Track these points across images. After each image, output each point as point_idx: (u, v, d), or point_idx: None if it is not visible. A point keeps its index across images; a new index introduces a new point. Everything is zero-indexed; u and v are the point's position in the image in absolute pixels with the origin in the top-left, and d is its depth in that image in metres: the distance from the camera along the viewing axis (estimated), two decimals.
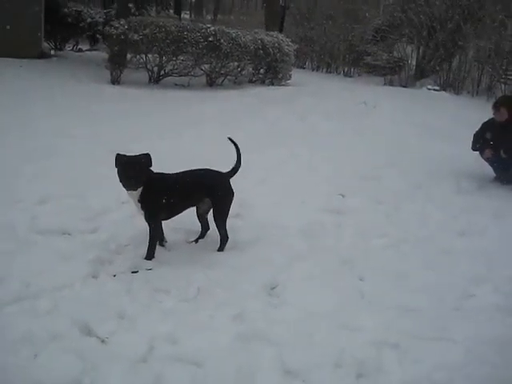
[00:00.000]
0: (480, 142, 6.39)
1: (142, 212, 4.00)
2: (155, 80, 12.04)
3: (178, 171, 4.21)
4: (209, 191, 4.19)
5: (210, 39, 11.69)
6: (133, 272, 3.86)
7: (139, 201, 3.97)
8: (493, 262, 4.48)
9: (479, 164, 6.60)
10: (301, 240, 4.59)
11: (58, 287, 3.54)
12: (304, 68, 18.58)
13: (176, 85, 11.94)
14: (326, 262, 4.23)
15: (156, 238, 4.09)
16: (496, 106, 6.34)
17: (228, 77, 12.81)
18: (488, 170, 6.52)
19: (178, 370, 2.88)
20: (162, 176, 4.08)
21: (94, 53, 17.15)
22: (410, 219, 5.25)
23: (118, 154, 3.89)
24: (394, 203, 5.59)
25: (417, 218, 5.30)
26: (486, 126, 6.43)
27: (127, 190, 3.89)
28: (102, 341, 3.09)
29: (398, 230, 4.96)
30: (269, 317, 3.42)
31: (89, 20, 16.94)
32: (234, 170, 4.33)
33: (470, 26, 14.39)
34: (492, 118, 6.42)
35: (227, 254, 4.25)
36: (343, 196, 5.68)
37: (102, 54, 14.37)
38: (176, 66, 11.99)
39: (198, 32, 11.66)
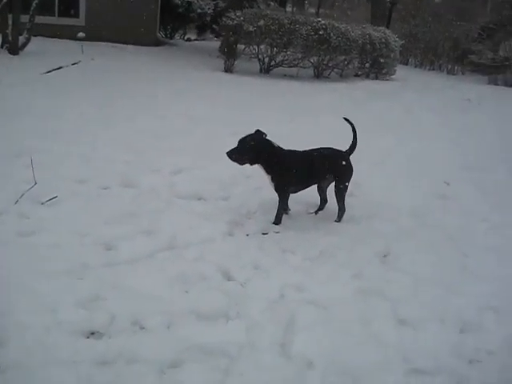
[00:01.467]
0: None
1: (272, 184, 4.56)
2: (266, 70, 12.61)
3: (304, 149, 4.73)
4: (332, 167, 4.69)
5: (321, 32, 12.13)
6: (263, 234, 4.42)
7: (268, 173, 4.53)
8: None
9: None
10: (410, 218, 5.03)
11: (202, 241, 4.15)
12: (407, 64, 18.71)
13: (285, 75, 12.47)
14: (433, 238, 4.67)
15: (283, 206, 4.65)
16: None
17: (335, 70, 13.22)
18: None
19: (309, 309, 3.41)
20: (291, 153, 4.62)
21: (202, 42, 17.90)
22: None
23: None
24: (498, 193, 5.91)
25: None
26: None
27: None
28: (241, 285, 3.67)
29: (502, 216, 5.30)
30: (383, 277, 3.92)
31: (199, 11, 17.62)
32: (352, 148, 4.80)
33: None
34: None
35: (344, 224, 4.74)
36: (448, 184, 6.05)
37: (211, 44, 15.14)
38: (286, 58, 12.52)
39: (309, 25, 12.14)
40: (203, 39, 19.32)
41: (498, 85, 15.13)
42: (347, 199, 4.89)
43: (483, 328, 3.48)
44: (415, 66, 18.64)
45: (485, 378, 3.04)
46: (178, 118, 7.69)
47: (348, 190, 4.85)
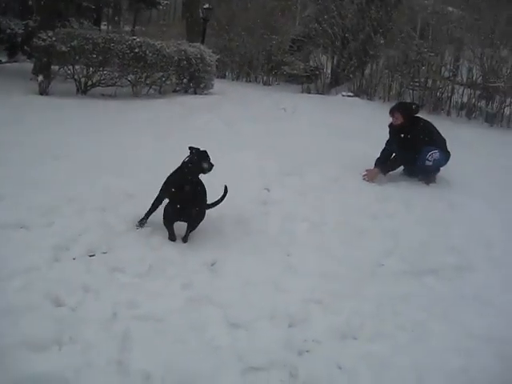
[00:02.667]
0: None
1: None
2: (83, 91, 12.37)
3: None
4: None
5: (136, 50, 12.13)
6: (90, 256, 4.37)
7: None
8: (399, 238, 5.29)
9: None
10: (235, 226, 5.20)
11: (27, 269, 4.00)
12: (225, 78, 19.20)
13: (103, 95, 12.30)
14: (258, 242, 4.90)
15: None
16: (391, 112, 7.22)
17: (153, 86, 13.27)
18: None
19: (143, 324, 3.46)
20: None
21: (14, 64, 17.10)
22: (329, 207, 5.95)
23: None
24: (315, 194, 6.28)
25: (335, 205, 6.02)
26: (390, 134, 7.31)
27: None
28: (72, 309, 3.61)
29: (319, 215, 5.67)
30: (212, 285, 4.06)
31: (8, 31, 16.83)
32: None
33: (380, 37, 15.44)
34: (390, 124, 7.28)
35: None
36: (269, 190, 6.33)
37: (24, 65, 14.55)
38: (103, 77, 12.37)
39: (124, 44, 12.10)
40: (15, 61, 18.49)
41: (310, 93, 16.03)
42: None
43: (309, 320, 3.76)
44: (233, 79, 19.15)
45: (313, 366, 3.27)
46: None
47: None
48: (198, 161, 4.81)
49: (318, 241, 5.05)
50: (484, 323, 3.98)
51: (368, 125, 9.97)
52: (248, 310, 3.73)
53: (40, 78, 11.65)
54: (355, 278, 4.42)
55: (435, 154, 6.91)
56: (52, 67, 12.01)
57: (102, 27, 32.61)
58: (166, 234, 4.75)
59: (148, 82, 13.03)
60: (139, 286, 3.96)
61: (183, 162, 4.84)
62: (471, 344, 3.71)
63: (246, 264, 4.45)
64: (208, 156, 4.87)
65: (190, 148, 4.92)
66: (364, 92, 15.27)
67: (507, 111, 13.68)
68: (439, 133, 7.18)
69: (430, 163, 6.94)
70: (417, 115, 7.23)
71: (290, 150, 7.88)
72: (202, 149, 4.91)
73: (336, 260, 4.69)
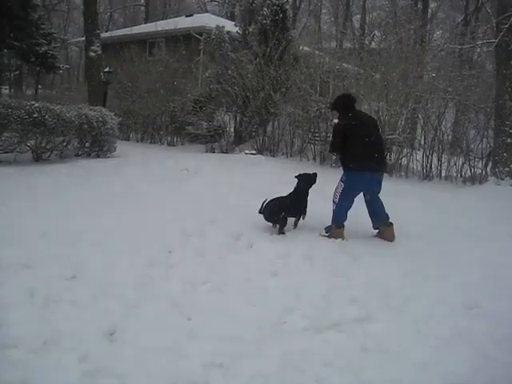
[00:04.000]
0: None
1: None
2: None
3: None
4: None
5: (35, 115, 11.93)
6: None
7: None
8: (301, 294, 5.31)
9: None
10: (135, 291, 5.08)
11: None
12: (129, 140, 19.13)
13: (1, 162, 11.96)
14: (158, 307, 4.78)
15: None
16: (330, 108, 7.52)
17: (54, 151, 13.03)
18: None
19: None
20: None
21: None
22: (231, 266, 5.95)
23: None
24: (216, 254, 6.27)
25: (237, 264, 6.02)
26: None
27: None
28: None
29: (221, 276, 5.63)
30: (112, 355, 3.91)
31: None
32: None
33: (280, 95, 15.84)
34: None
35: (68, 307, 4.65)
36: (170, 252, 6.26)
37: None
38: (1, 143, 12.05)
39: (23, 109, 11.88)
40: None
41: (214, 152, 16.18)
42: (73, 283, 4.85)
43: None
44: (137, 141, 19.12)
45: None
46: None
47: (71, 273, 4.80)
48: (311, 178, 7.70)
49: (220, 302, 4.99)
50: (387, 376, 4.01)
51: (271, 182, 10.12)
52: (146, 379, 3.62)
53: None
54: (257, 337, 4.38)
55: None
56: None
57: (4, 91, 32.10)
58: (61, 303, 4.61)
59: (49, 146, 12.79)
60: (32, 362, 3.77)
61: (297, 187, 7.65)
62: None
63: (147, 331, 4.33)
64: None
65: (298, 175, 7.76)
66: (267, 149, 15.56)
67: (404, 161, 14.24)
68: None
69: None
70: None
71: (192, 211, 7.88)
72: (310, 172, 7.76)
73: (238, 320, 4.64)
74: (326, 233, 7.34)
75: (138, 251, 6.09)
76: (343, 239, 7.18)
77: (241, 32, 18.30)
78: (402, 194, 10.51)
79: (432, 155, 14.16)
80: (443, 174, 13.91)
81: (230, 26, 19.72)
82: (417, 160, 14.19)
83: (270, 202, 7.47)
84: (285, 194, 7.60)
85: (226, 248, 6.51)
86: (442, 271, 6.23)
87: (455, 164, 14.07)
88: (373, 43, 24.13)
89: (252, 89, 16.11)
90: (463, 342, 4.57)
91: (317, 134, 15.25)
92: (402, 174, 13.96)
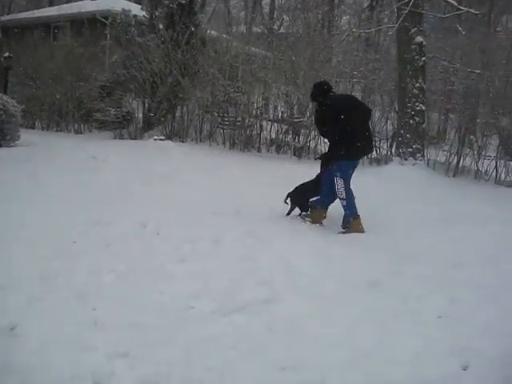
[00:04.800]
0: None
1: None
2: None
3: None
4: None
5: None
6: None
7: None
8: (209, 279, 5.32)
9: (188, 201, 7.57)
10: (38, 284, 4.95)
11: None
12: (34, 128, 18.51)
13: None
14: (62, 300, 4.67)
15: None
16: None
17: None
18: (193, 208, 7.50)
19: None
20: None
21: None
22: (138, 254, 5.89)
23: None
24: (123, 242, 6.19)
25: (144, 252, 5.96)
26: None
27: None
28: None
29: (127, 264, 5.57)
30: (11, 351, 3.80)
31: None
32: None
33: (188, 80, 15.69)
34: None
35: None
36: (75, 242, 6.12)
37: None
38: None
39: None
40: None
41: (123, 139, 15.88)
42: None
43: (115, 375, 3.61)
44: (43, 129, 18.51)
45: None
46: None
47: None
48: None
49: (125, 291, 4.93)
50: (292, 355, 4.07)
51: (179, 168, 10.05)
52: (48, 375, 3.53)
53: None
54: (164, 324, 4.35)
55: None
56: None
57: None
58: None
59: None
60: None
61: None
62: (279, 377, 3.77)
63: (50, 324, 4.22)
64: None
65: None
66: (176, 134, 15.39)
67: (312, 144, 14.47)
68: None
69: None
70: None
71: (99, 200, 7.74)
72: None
73: (144, 308, 4.60)
74: (344, 229, 7.35)
75: (40, 242, 5.93)
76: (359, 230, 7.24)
77: (148, 16, 17.95)
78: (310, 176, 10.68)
79: None
80: None
81: (137, 10, 19.28)
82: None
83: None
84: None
85: (132, 236, 6.44)
86: (346, 250, 6.38)
87: None
88: (281, 28, 24.37)
89: (160, 74, 15.86)
90: (368, 318, 4.71)
91: (226, 119, 15.25)
92: (310, 156, 14.17)
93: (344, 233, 7.27)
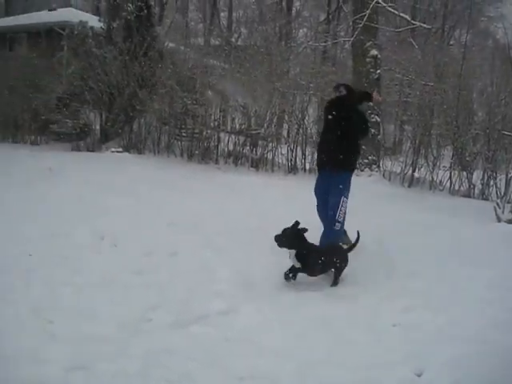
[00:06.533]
0: None
1: None
2: None
3: None
4: None
5: None
6: None
7: None
8: (166, 291, 5.36)
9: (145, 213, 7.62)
10: None
11: None
12: None
13: None
14: (17, 313, 4.63)
15: None
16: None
17: None
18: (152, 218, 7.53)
19: None
20: None
21: None
22: (95, 266, 5.87)
23: None
24: (80, 255, 6.16)
25: (101, 264, 5.95)
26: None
27: None
28: None
29: (84, 276, 5.56)
30: None
31: None
32: None
33: (146, 91, 15.67)
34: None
35: None
36: (31, 255, 6.05)
37: None
38: None
39: None
40: None
41: (80, 150, 15.74)
42: None
43: None
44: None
45: None
46: None
47: None
48: None
49: (82, 303, 4.93)
50: (248, 363, 4.13)
51: (136, 180, 10.04)
52: None
53: None
54: (121, 336, 4.37)
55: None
56: None
57: None
58: None
59: None
60: None
61: None
62: None
63: (5, 338, 4.19)
64: None
65: None
66: (134, 146, 15.33)
67: (269, 156, 14.58)
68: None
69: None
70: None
71: (55, 212, 7.65)
72: None
73: (100, 321, 4.61)
74: None
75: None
76: None
77: (105, 28, 17.90)
78: (268, 187, 10.82)
79: (296, 149, 14.57)
80: (307, 167, 14.34)
81: (94, 22, 19.19)
82: (282, 154, 14.55)
83: None
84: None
85: (90, 248, 6.41)
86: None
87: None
88: (239, 40, 24.54)
89: (117, 85, 15.81)
90: (323, 327, 4.81)
91: (184, 131, 15.27)
92: (268, 168, 14.28)
93: None
